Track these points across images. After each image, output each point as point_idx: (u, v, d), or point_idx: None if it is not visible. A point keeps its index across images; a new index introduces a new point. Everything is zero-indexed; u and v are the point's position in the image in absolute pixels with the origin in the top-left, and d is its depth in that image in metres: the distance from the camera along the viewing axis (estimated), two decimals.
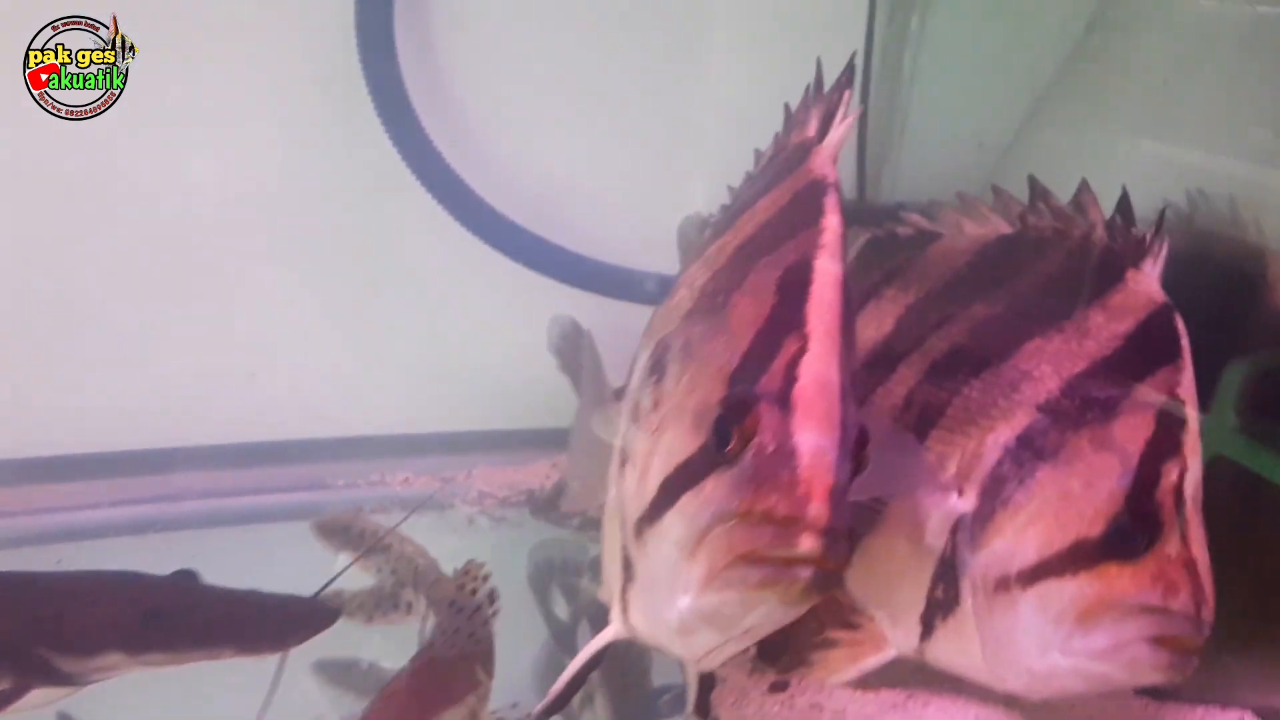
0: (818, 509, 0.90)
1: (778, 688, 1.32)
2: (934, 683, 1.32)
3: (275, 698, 1.17)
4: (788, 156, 1.19)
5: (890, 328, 1.35)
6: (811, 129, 1.16)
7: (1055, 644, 1.15)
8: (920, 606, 1.26)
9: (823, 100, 1.17)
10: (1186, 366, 1.17)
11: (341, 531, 1.51)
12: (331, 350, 1.95)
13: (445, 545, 1.47)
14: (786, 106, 1.27)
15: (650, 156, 1.95)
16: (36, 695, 1.17)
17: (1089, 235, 1.26)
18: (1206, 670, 1.16)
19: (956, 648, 1.25)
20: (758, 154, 1.32)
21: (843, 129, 1.11)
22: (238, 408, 1.91)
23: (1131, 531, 1.13)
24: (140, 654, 1.16)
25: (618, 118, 1.95)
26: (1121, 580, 1.13)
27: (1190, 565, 1.13)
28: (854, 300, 1.03)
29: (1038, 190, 1.32)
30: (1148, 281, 1.22)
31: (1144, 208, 1.25)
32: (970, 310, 1.29)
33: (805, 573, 0.91)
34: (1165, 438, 1.15)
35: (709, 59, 1.89)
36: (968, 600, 1.22)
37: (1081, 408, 1.18)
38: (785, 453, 0.92)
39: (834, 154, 1.11)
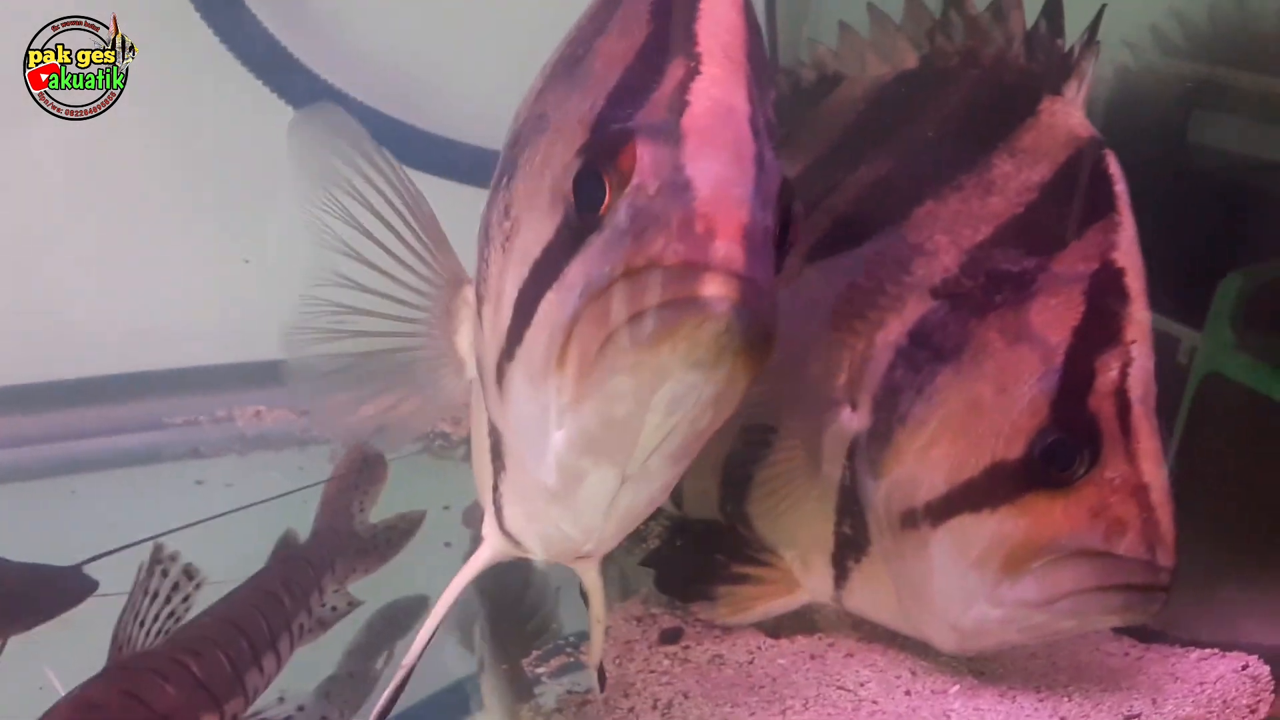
0: (725, 247, 0.62)
1: (669, 638, 1.11)
2: (862, 629, 1.10)
3: None
4: None
5: None
6: None
7: (980, 593, 0.94)
8: (829, 546, 1.05)
9: None
10: (1125, 222, 0.91)
11: None
12: (165, 273, 1.58)
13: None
14: None
15: None
16: None
17: (1003, 55, 0.95)
18: (1202, 606, 0.97)
19: (872, 595, 1.05)
20: None
21: None
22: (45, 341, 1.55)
23: (1061, 450, 0.90)
24: None
25: None
26: (1052, 515, 0.91)
27: (1140, 492, 0.89)
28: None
29: None
30: (1068, 112, 0.93)
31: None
32: (858, 173, 1.01)
33: (719, 307, 0.62)
34: (1100, 321, 0.90)
35: None
36: (876, 539, 1.00)
37: (987, 288, 0.94)
38: (675, 187, 0.64)
39: None
